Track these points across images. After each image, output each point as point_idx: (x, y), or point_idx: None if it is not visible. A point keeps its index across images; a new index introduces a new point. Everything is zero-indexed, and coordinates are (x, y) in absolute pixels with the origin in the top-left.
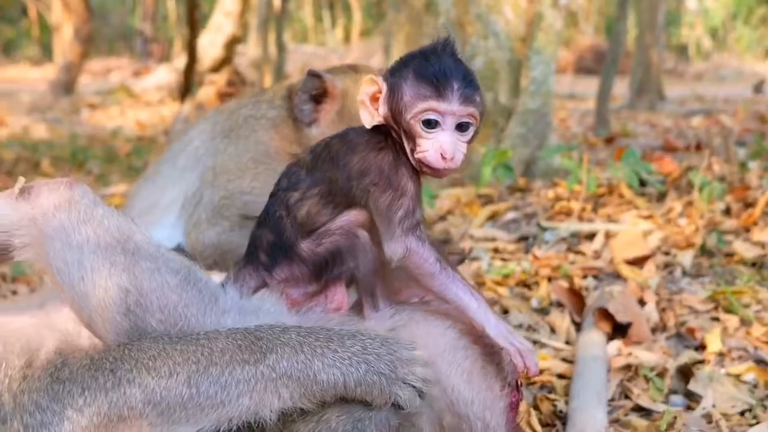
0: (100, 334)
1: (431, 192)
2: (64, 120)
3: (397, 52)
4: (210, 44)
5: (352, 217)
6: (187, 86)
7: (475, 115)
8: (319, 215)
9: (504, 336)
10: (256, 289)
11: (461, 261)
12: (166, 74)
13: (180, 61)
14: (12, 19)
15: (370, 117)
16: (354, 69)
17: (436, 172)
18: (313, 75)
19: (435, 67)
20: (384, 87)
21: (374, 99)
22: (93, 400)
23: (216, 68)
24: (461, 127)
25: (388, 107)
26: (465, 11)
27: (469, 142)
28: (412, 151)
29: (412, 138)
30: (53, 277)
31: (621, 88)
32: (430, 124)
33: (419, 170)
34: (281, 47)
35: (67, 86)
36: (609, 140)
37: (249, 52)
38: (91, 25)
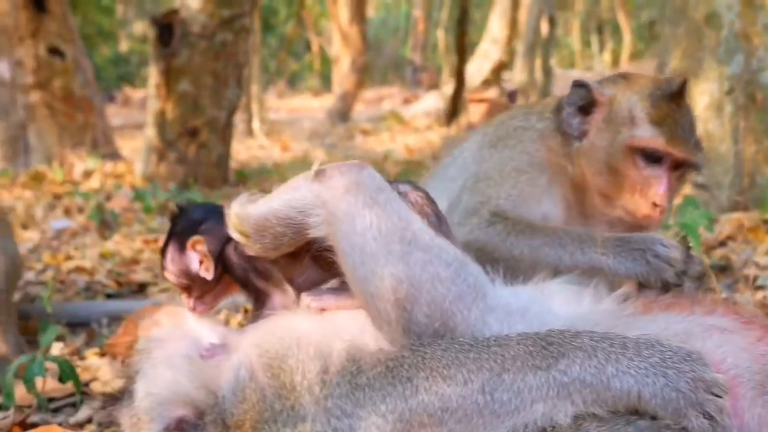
0: (373, 321)
1: (709, 215)
2: (339, 145)
3: (675, 69)
4: (477, 71)
5: None
6: (454, 111)
7: None
8: None
9: None
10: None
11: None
12: (434, 101)
13: (448, 88)
14: (297, 53)
15: None
16: (623, 76)
17: None
18: (578, 85)
19: None
20: None
21: None
22: (394, 407)
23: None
24: None
25: None
26: (752, 22)
27: None
28: None
29: None
30: (341, 258)
31: None
32: None
33: None
34: (548, 72)
35: (343, 114)
36: None
37: (516, 77)
38: (367, 57)
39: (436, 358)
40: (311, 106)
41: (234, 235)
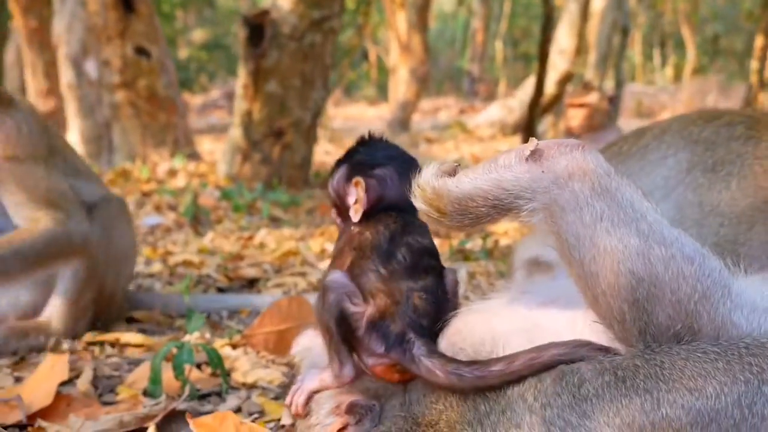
0: (602, 318)
1: None
2: None
3: None
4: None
5: None
6: (531, 119)
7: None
8: None
9: None
10: None
11: None
12: (497, 111)
13: (522, 94)
14: (353, 63)
15: None
16: None
17: None
18: None
19: None
20: None
21: None
22: (632, 421)
23: (547, 106)
24: None
25: None
26: None
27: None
28: None
29: None
30: (564, 251)
31: None
32: None
33: None
34: (620, 83)
35: (402, 123)
36: None
37: None
38: (428, 66)
39: (677, 368)
40: (367, 115)
41: (423, 208)
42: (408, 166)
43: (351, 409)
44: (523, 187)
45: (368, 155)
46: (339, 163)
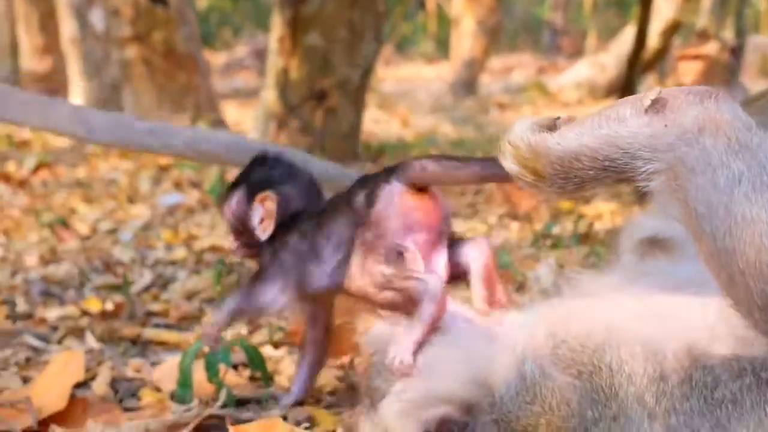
0: (738, 305)
1: None
2: (470, 120)
3: None
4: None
5: None
6: (630, 78)
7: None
8: None
9: None
10: None
11: None
12: (586, 69)
13: (605, 55)
14: (407, 12)
15: None
16: None
17: None
18: None
19: None
20: None
21: None
22: None
23: (650, 63)
24: None
25: None
26: None
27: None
28: None
29: None
30: (691, 223)
31: None
32: None
33: None
34: (741, 33)
35: (468, 85)
36: None
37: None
38: (499, 16)
39: None
40: (424, 76)
41: (515, 169)
42: (311, 182)
43: (442, 427)
44: (642, 144)
45: (263, 173)
46: (231, 188)
